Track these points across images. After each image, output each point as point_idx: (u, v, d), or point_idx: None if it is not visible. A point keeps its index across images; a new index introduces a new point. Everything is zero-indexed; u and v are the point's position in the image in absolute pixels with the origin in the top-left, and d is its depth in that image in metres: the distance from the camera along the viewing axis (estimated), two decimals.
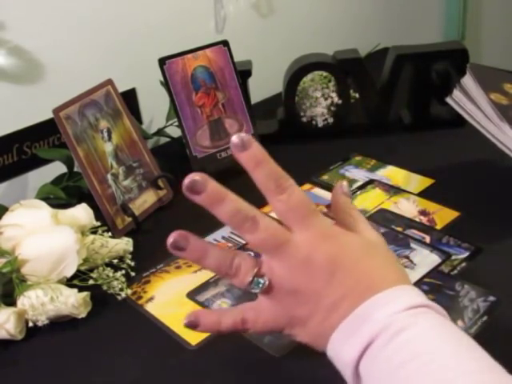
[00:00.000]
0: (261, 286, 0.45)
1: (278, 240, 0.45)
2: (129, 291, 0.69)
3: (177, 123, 0.90)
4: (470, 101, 0.79)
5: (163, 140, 1.06)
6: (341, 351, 0.44)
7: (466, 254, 0.71)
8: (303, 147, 1.00)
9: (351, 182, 0.88)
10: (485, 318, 0.62)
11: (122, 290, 0.68)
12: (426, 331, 0.42)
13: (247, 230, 0.45)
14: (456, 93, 0.80)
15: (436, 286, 0.66)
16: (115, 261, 0.72)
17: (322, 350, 0.46)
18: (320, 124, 1.02)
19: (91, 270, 0.69)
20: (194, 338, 0.63)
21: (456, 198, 0.81)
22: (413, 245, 0.73)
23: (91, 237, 0.73)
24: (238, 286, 0.47)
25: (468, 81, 0.80)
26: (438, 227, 0.77)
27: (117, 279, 0.69)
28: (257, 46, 1.18)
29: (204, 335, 0.63)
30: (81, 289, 0.67)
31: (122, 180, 0.83)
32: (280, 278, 0.45)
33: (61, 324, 0.66)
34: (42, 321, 0.64)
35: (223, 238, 0.79)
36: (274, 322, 0.47)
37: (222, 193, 0.45)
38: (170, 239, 0.46)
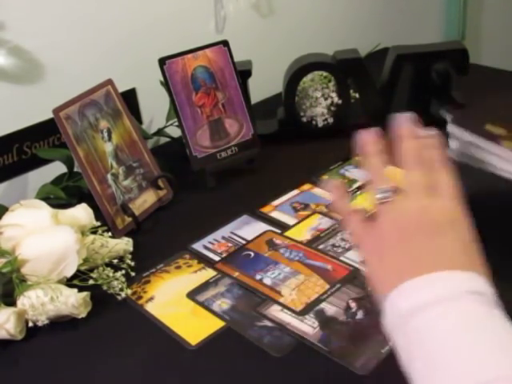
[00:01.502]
0: (384, 195, 0.48)
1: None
2: (129, 291, 0.69)
3: (177, 123, 0.90)
4: (470, 145, 0.75)
5: (163, 140, 1.06)
6: (399, 302, 0.44)
7: None
8: (303, 147, 1.00)
9: (351, 182, 0.89)
10: None
11: (122, 289, 0.68)
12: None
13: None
14: (451, 143, 0.76)
15: None
16: (115, 261, 0.72)
17: (377, 295, 0.47)
18: (320, 124, 1.02)
19: (91, 270, 0.69)
20: (194, 337, 0.63)
21: None
22: None
23: (91, 237, 0.73)
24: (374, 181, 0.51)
25: (454, 129, 0.76)
26: None
27: (117, 279, 0.69)
28: (257, 46, 1.18)
29: (204, 335, 0.63)
30: (81, 289, 0.67)
31: (122, 180, 0.83)
32: (401, 214, 0.48)
33: (61, 324, 0.66)
34: (42, 321, 0.64)
35: (223, 238, 0.79)
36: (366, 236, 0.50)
37: None
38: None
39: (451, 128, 0.76)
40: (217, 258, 0.75)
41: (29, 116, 0.90)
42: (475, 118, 0.80)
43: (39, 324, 0.64)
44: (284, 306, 0.65)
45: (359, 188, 0.86)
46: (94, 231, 0.73)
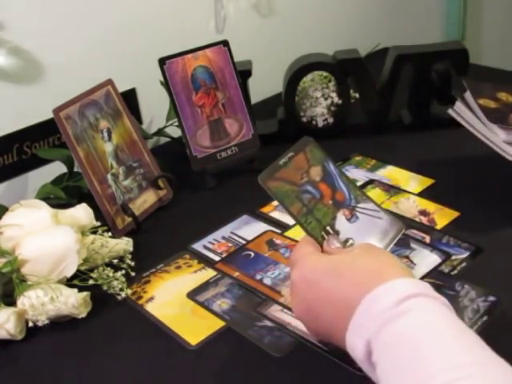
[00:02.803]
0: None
1: None
2: (129, 291, 0.69)
3: (177, 123, 0.90)
4: (469, 110, 0.80)
5: (163, 140, 1.06)
6: (355, 349, 0.49)
7: (466, 254, 0.71)
8: None
9: None
10: (485, 318, 0.62)
11: (122, 289, 0.68)
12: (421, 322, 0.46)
13: None
14: (458, 104, 0.82)
15: (436, 286, 0.66)
16: (115, 261, 0.72)
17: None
18: (320, 124, 1.02)
19: (91, 270, 0.69)
20: (193, 337, 0.63)
21: (456, 198, 0.81)
22: (413, 245, 0.73)
23: (91, 237, 0.73)
24: None
25: (467, 95, 0.82)
26: (438, 227, 0.77)
27: (117, 279, 0.69)
28: (257, 45, 1.18)
29: (204, 335, 0.63)
30: (81, 289, 0.67)
31: (122, 180, 0.83)
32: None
33: (61, 324, 0.66)
34: (42, 321, 0.64)
35: (223, 238, 0.79)
36: None
37: None
38: None
39: (467, 94, 0.83)
40: (217, 258, 0.75)
41: (29, 116, 0.90)
42: (487, 87, 0.87)
43: (39, 324, 0.64)
44: (284, 306, 0.65)
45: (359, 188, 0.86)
46: (94, 231, 0.73)
